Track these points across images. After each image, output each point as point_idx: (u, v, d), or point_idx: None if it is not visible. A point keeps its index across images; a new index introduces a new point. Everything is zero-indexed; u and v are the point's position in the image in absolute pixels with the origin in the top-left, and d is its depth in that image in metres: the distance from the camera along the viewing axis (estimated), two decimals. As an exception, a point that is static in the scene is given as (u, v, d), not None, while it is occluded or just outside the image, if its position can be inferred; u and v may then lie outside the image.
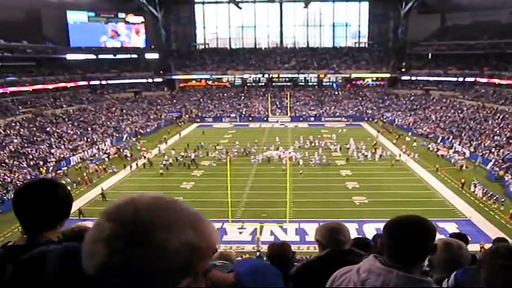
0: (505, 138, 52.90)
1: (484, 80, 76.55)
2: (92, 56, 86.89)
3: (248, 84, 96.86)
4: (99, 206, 35.88)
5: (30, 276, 1.72)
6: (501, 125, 58.57)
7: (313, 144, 58.35)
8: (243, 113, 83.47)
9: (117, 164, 49.80)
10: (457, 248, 3.19)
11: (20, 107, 63.88)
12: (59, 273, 1.56)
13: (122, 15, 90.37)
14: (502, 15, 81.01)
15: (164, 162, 49.11)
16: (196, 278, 1.14)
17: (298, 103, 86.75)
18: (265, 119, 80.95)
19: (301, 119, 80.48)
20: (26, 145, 52.03)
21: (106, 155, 54.07)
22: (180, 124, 76.86)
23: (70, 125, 63.72)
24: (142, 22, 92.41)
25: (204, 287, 1.23)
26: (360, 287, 2.01)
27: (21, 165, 45.78)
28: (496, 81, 73.65)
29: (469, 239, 6.26)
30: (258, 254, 26.80)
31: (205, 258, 1.22)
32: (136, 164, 49.61)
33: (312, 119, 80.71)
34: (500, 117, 61.54)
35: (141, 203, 1.16)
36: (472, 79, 79.20)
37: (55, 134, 58.22)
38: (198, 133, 69.80)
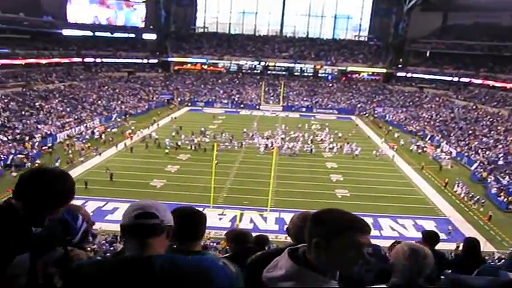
0: (492, 141, 52.94)
1: (479, 81, 76.67)
2: (89, 33, 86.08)
3: (243, 71, 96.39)
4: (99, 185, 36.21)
5: None
6: (491, 127, 58.64)
7: (296, 134, 58.65)
8: (236, 99, 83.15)
9: (101, 145, 49.41)
10: (423, 257, 3.02)
11: (11, 80, 63.22)
12: None
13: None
14: (504, 18, 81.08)
15: (168, 143, 50.12)
16: None
17: (291, 93, 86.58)
18: (257, 107, 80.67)
19: (293, 109, 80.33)
20: (13, 119, 51.59)
21: (97, 134, 53.93)
22: (171, 107, 76.56)
23: (60, 101, 63.21)
24: (143, 2, 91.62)
25: None
26: None
27: (6, 139, 45.43)
28: (491, 83, 73.79)
29: (440, 237, 6.26)
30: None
31: None
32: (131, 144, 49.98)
33: (304, 109, 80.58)
34: (491, 119, 61.59)
35: None
36: (467, 79, 79.39)
37: (44, 110, 57.83)
38: (190, 117, 69.83)
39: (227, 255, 4.69)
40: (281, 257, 2.02)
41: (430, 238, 5.83)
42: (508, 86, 69.89)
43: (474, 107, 68.62)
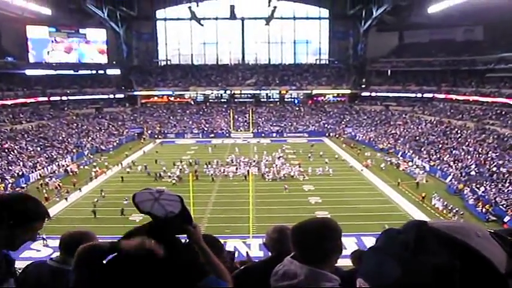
0: (463, 153, 54.11)
1: (442, 96, 78.50)
2: (52, 72, 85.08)
3: (210, 100, 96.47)
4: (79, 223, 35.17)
5: None
6: (459, 139, 59.96)
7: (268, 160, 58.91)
8: (206, 129, 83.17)
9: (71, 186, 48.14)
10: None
11: (-23, 123, 62.20)
12: None
13: (83, 30, 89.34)
14: (457, 34, 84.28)
15: (170, 175, 50.35)
16: None
17: (260, 119, 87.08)
18: (227, 135, 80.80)
19: (263, 134, 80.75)
20: (-17, 162, 50.70)
21: (71, 172, 53.48)
22: (142, 141, 76.05)
23: (29, 141, 62.35)
24: (103, 38, 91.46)
25: None
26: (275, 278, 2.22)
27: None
28: (453, 96, 75.60)
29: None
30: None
31: None
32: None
33: (275, 134, 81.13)
34: (458, 131, 63.04)
35: None
36: (430, 95, 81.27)
37: (14, 151, 56.93)
38: (162, 149, 69.37)
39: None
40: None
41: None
42: (471, 98, 71.74)
43: (440, 121, 70.12)
